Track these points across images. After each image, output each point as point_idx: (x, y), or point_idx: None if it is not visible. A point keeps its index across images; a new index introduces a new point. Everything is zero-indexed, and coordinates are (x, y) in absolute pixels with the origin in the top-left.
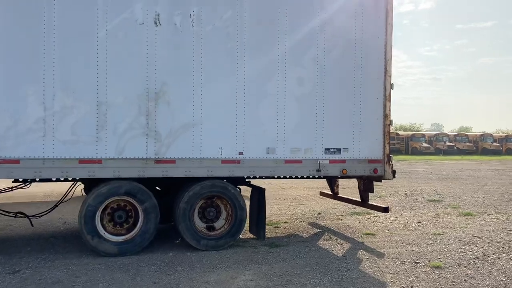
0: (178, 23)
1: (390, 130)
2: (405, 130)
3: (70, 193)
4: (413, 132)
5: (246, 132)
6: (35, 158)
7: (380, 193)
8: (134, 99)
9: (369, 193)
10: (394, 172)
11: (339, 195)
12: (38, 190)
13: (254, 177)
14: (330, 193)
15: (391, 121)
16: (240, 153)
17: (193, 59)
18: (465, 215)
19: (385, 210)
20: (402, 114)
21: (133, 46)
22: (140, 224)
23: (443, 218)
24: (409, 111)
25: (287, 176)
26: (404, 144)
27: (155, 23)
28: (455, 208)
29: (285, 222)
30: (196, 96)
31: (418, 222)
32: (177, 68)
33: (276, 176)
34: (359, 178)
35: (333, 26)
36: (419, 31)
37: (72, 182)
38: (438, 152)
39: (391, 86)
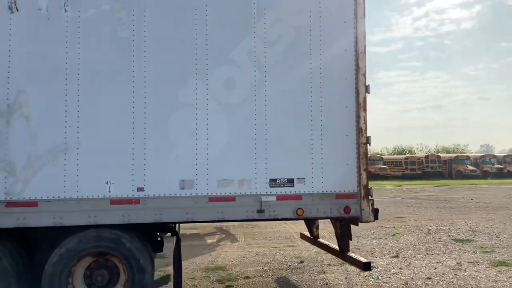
0: (44, 7)
1: (367, 151)
2: (447, 152)
3: None
4: (457, 154)
5: (149, 158)
6: None
7: (397, 229)
8: None
9: (350, 240)
10: (375, 212)
11: (319, 239)
12: None
13: (164, 223)
14: (310, 236)
15: (368, 138)
16: (140, 189)
17: (66, 56)
18: (497, 265)
19: (366, 266)
20: (448, 136)
21: None
22: None
23: (465, 270)
24: (455, 133)
25: (215, 219)
26: (447, 168)
27: (10, 8)
28: (486, 252)
29: (246, 278)
30: (71, 107)
31: (428, 278)
32: (42, 70)
33: (196, 220)
34: (330, 219)
35: (276, 7)
36: (461, 51)
37: None
38: (486, 175)
39: (367, 89)
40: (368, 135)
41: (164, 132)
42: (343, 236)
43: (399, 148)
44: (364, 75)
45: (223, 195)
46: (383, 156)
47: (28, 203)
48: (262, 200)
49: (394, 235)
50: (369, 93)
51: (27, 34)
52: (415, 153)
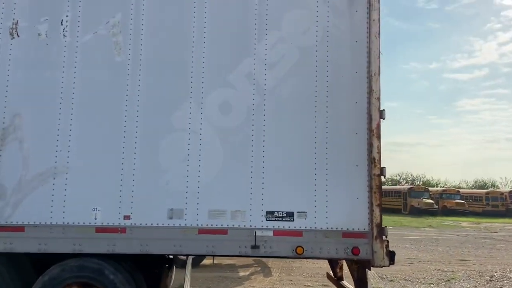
0: (44, 32)
1: (380, 184)
2: None
3: None
4: None
5: (137, 184)
6: None
7: (455, 274)
8: None
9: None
10: (391, 255)
11: (342, 281)
12: None
13: (150, 255)
14: (333, 276)
15: (382, 169)
16: (126, 217)
17: (62, 80)
18: None
19: None
20: None
21: None
22: None
23: None
24: None
25: (204, 253)
26: None
27: (11, 34)
28: None
29: None
30: (63, 131)
31: None
32: (38, 93)
33: (184, 253)
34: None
35: (280, 26)
36: None
37: None
38: None
39: (381, 114)
40: (382, 165)
41: (154, 157)
42: (360, 280)
43: (480, 182)
44: (378, 98)
45: (214, 227)
46: (460, 190)
47: (15, 227)
48: (257, 234)
49: (448, 280)
50: (383, 118)
51: (26, 59)
52: (498, 188)
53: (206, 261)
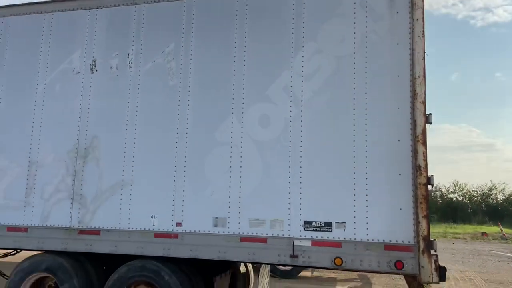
0: (115, 66)
1: (427, 194)
2: None
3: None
4: None
5: (187, 194)
6: None
7: None
8: (63, 157)
9: None
10: (441, 270)
11: None
12: None
13: (198, 259)
14: None
15: (429, 178)
16: (178, 224)
17: (128, 105)
18: None
19: None
20: None
21: (68, 98)
22: None
23: None
24: None
25: (246, 260)
26: None
27: (91, 69)
28: None
29: None
30: (128, 150)
31: None
32: (110, 118)
33: (228, 259)
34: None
35: (316, 38)
36: None
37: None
38: None
39: (427, 118)
40: (430, 174)
41: (201, 170)
42: None
43: None
44: (423, 102)
45: (254, 235)
46: None
47: (93, 231)
48: (295, 244)
49: None
50: (430, 123)
51: (101, 89)
52: None
53: (306, 273)
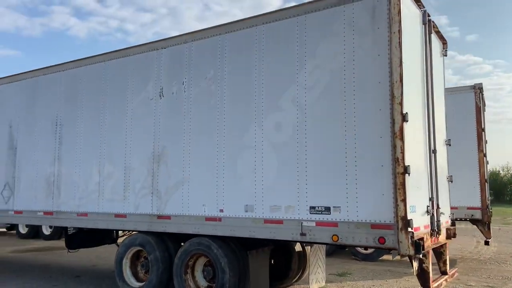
0: (175, 91)
1: (404, 181)
2: None
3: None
4: None
5: (226, 188)
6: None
7: None
8: (145, 162)
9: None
10: (416, 245)
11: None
12: None
13: (236, 237)
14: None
15: (406, 167)
16: (221, 211)
17: (184, 121)
18: None
19: None
20: None
21: (146, 119)
22: (149, 275)
23: None
24: None
25: (269, 238)
26: None
27: (160, 96)
28: None
29: None
30: (185, 155)
31: None
32: (173, 132)
33: (256, 237)
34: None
35: (315, 55)
36: None
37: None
38: None
39: (404, 117)
40: (406, 164)
41: (234, 168)
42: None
43: None
44: (401, 103)
45: (274, 218)
46: None
47: (166, 216)
48: (303, 224)
49: None
50: (407, 121)
51: (167, 110)
52: None
53: (387, 257)
